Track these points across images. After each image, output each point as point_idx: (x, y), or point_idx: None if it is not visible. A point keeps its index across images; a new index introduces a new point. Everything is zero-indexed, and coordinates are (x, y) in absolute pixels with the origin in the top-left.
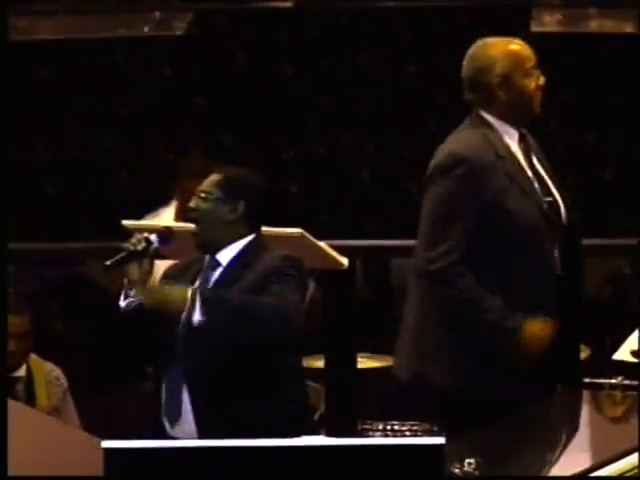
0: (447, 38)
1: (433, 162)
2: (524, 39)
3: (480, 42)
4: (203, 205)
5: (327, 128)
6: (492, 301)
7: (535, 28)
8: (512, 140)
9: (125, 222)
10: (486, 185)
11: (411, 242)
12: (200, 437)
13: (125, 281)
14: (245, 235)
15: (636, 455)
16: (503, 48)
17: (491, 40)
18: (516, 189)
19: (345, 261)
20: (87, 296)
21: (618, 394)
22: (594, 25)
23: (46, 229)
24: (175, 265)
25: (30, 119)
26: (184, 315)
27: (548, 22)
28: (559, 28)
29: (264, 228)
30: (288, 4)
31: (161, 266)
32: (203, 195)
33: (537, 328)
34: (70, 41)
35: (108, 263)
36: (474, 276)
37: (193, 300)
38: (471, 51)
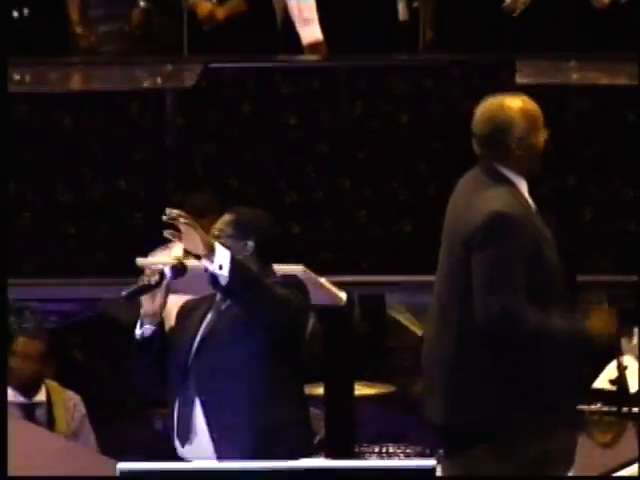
0: (437, 90)
1: (473, 222)
2: (509, 90)
3: (494, 101)
4: (219, 243)
5: (326, 174)
6: (555, 320)
7: (519, 80)
8: (524, 191)
9: (139, 260)
10: (527, 237)
11: (404, 278)
12: (214, 445)
13: (141, 311)
14: (257, 269)
15: (636, 466)
16: (519, 108)
17: (506, 100)
18: (541, 237)
19: (344, 295)
20: (104, 329)
21: (607, 420)
22: (575, 77)
23: (66, 266)
24: (191, 300)
25: (52, 164)
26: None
27: (531, 74)
28: (542, 80)
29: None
30: (293, 58)
31: (174, 300)
32: (216, 233)
33: (599, 317)
34: (88, 92)
35: (124, 294)
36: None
37: (212, 249)
38: (487, 110)
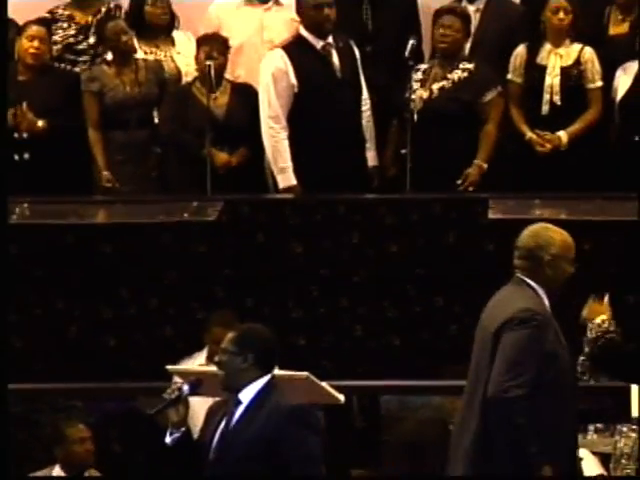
0: (422, 223)
1: (503, 316)
2: (483, 224)
3: (542, 224)
4: (223, 358)
5: (327, 294)
6: (536, 437)
7: (492, 215)
8: (547, 302)
9: (168, 367)
10: (548, 337)
11: (394, 382)
12: None
13: (169, 422)
14: (259, 377)
15: None
16: (560, 236)
17: (551, 227)
18: (559, 343)
19: (342, 397)
20: (139, 424)
21: None
22: (538, 213)
23: (106, 371)
24: (215, 404)
25: (94, 285)
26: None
27: (502, 210)
28: (510, 215)
29: (280, 372)
30: (299, 197)
31: (201, 403)
32: (223, 350)
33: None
34: (126, 225)
35: (152, 412)
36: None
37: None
38: (534, 228)
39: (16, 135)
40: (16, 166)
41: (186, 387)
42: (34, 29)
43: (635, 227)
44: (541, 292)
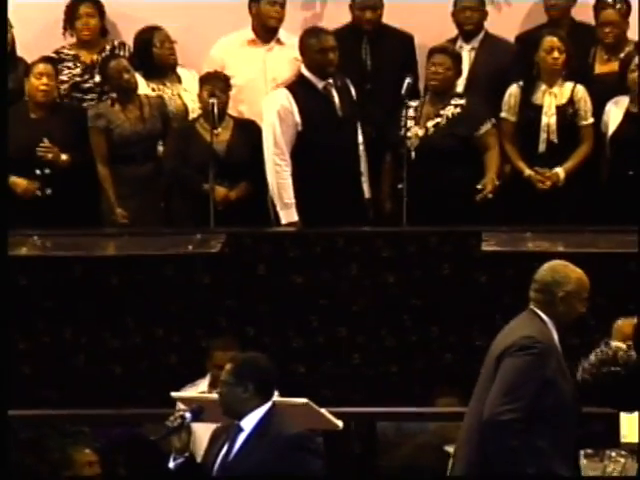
0: (418, 255)
1: (505, 343)
2: (477, 256)
3: (561, 262)
4: (223, 389)
5: (326, 323)
6: (531, 461)
7: (485, 247)
8: (555, 336)
9: (173, 394)
10: (549, 365)
11: (391, 409)
12: None
13: (173, 448)
14: (260, 405)
15: None
16: (577, 275)
17: (570, 265)
18: (561, 372)
19: (340, 423)
20: (144, 449)
21: None
22: (530, 245)
23: (112, 398)
24: (218, 429)
25: (101, 315)
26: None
27: (495, 243)
28: (503, 247)
29: (280, 399)
30: (300, 229)
31: (204, 429)
32: (223, 382)
33: None
34: (132, 257)
35: (156, 439)
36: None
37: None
38: (553, 264)
39: (38, 172)
40: (39, 201)
41: (188, 415)
42: (41, 67)
43: (631, 259)
44: (550, 324)
